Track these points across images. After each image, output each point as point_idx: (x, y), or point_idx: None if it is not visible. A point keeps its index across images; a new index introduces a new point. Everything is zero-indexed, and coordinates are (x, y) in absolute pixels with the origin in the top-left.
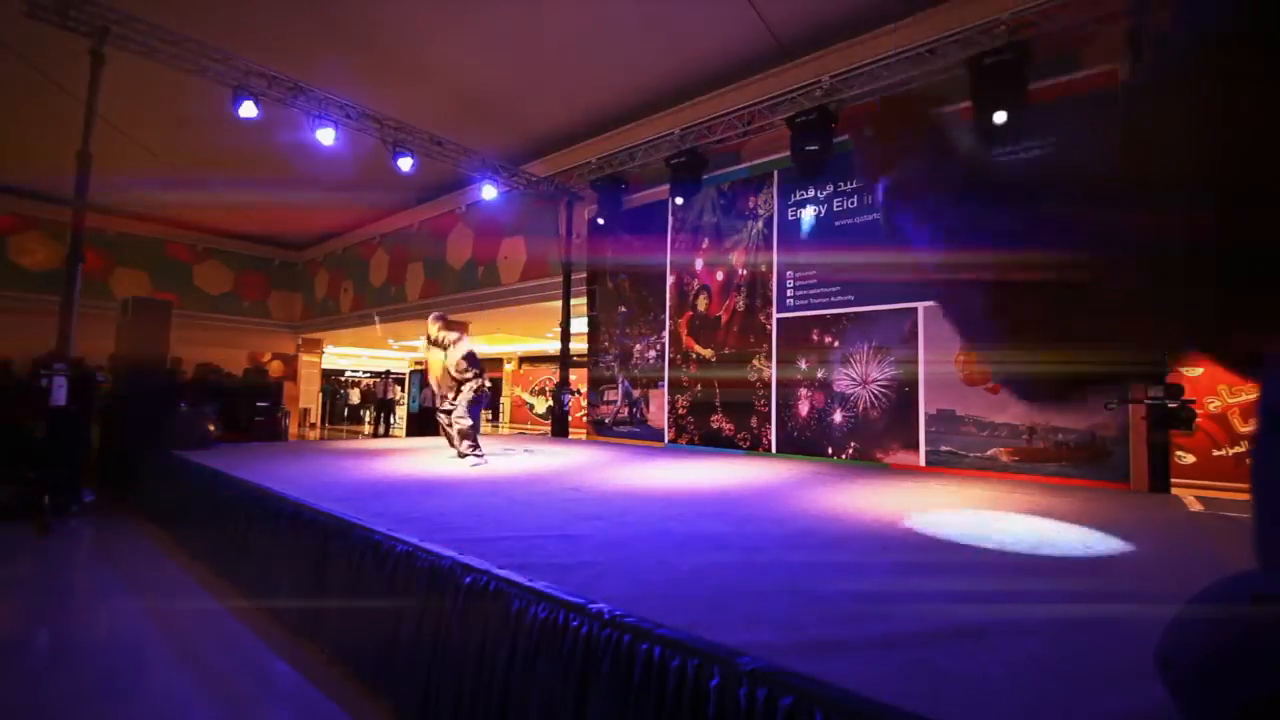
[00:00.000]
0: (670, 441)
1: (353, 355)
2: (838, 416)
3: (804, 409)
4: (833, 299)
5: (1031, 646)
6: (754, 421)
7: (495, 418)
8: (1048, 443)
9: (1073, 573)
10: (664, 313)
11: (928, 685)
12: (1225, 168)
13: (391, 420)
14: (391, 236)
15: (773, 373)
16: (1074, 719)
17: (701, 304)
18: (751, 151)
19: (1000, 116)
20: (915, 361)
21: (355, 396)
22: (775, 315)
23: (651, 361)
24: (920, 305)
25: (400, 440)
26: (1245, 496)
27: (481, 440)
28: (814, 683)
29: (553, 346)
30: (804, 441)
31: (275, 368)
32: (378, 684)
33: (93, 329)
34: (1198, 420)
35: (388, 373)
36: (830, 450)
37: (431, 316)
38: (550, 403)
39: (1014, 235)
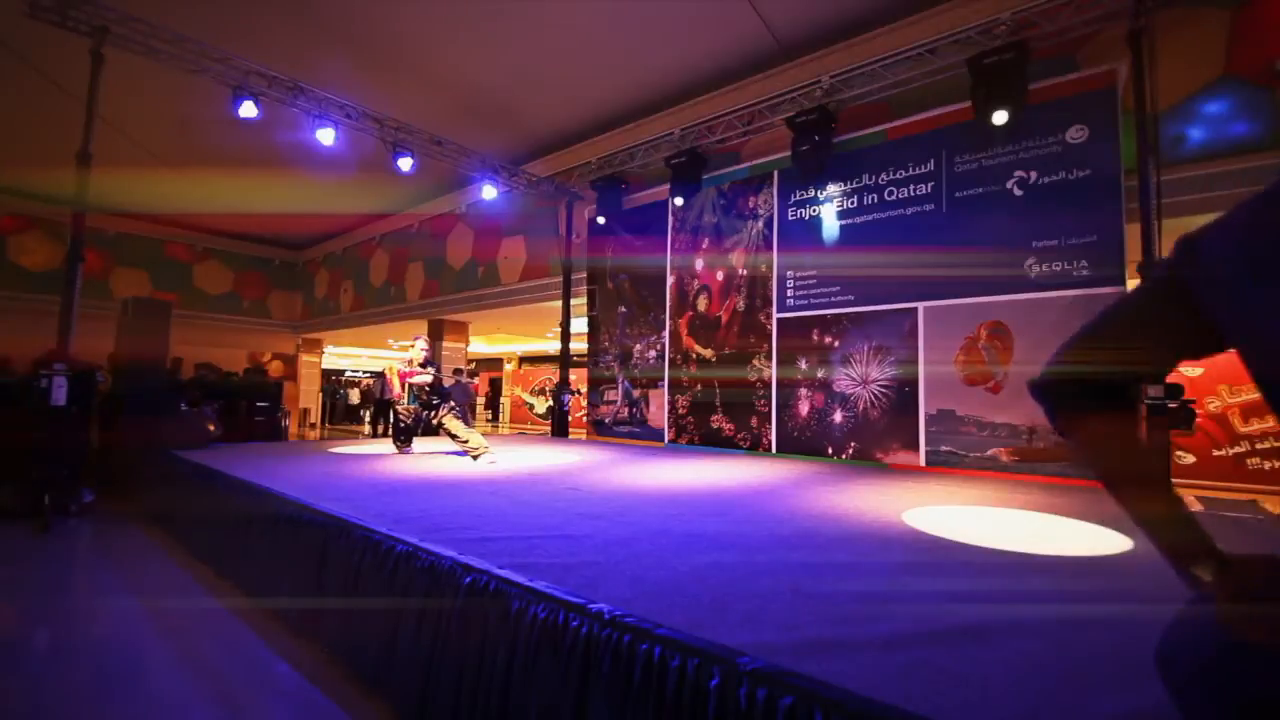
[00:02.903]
0: (670, 441)
1: (353, 355)
2: (838, 416)
3: (804, 409)
4: (833, 299)
5: (1031, 646)
6: (754, 421)
7: (495, 418)
8: (1048, 442)
9: (1073, 573)
10: (664, 313)
11: (928, 685)
12: None
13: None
14: (391, 236)
15: (773, 373)
16: (1074, 719)
17: (701, 304)
18: (751, 151)
19: (1000, 116)
20: (915, 361)
21: (355, 396)
22: (775, 315)
23: (651, 361)
24: (920, 305)
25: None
26: (1245, 496)
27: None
28: (814, 683)
29: (553, 346)
30: (804, 441)
31: (275, 368)
32: (377, 684)
33: (93, 329)
34: (1198, 420)
35: (384, 372)
36: (830, 450)
37: (419, 344)
38: (550, 403)
39: None
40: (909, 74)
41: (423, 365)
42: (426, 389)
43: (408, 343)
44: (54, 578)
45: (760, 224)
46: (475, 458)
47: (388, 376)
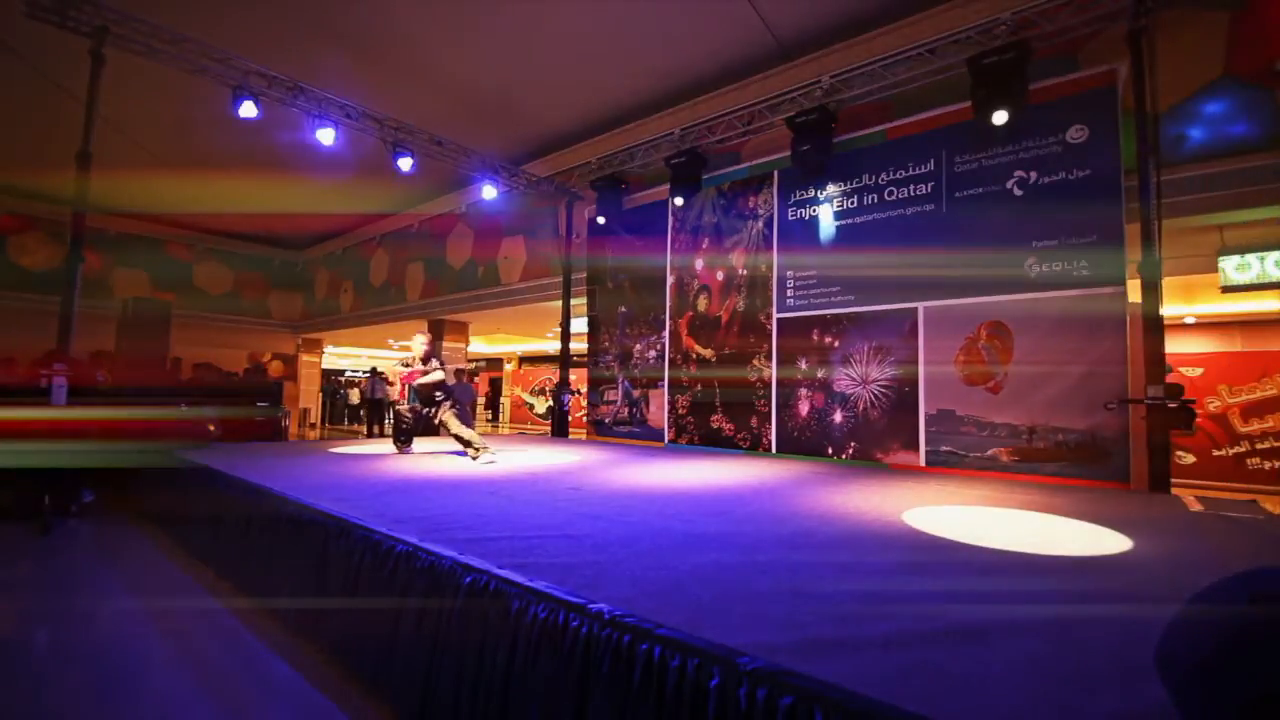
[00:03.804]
0: (670, 441)
1: (353, 355)
2: (838, 416)
3: (804, 409)
4: (833, 299)
5: (1031, 646)
6: (754, 421)
7: (495, 418)
8: (1048, 443)
9: (1072, 573)
10: (664, 313)
11: (928, 685)
12: None
13: (389, 419)
14: (391, 236)
15: (773, 373)
16: (1073, 719)
17: (701, 304)
18: (751, 151)
19: (1000, 116)
20: (915, 361)
21: (355, 396)
22: (775, 315)
23: (651, 361)
24: (920, 305)
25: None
26: (1245, 496)
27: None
28: (814, 683)
29: (553, 346)
30: (804, 441)
31: (275, 368)
32: (377, 684)
33: (93, 329)
34: (1198, 420)
35: (374, 370)
36: (830, 450)
37: (419, 339)
38: (550, 403)
39: None
40: (909, 74)
41: (424, 360)
42: (432, 384)
43: (409, 343)
44: (54, 578)
45: (760, 224)
46: (474, 457)
47: (389, 377)
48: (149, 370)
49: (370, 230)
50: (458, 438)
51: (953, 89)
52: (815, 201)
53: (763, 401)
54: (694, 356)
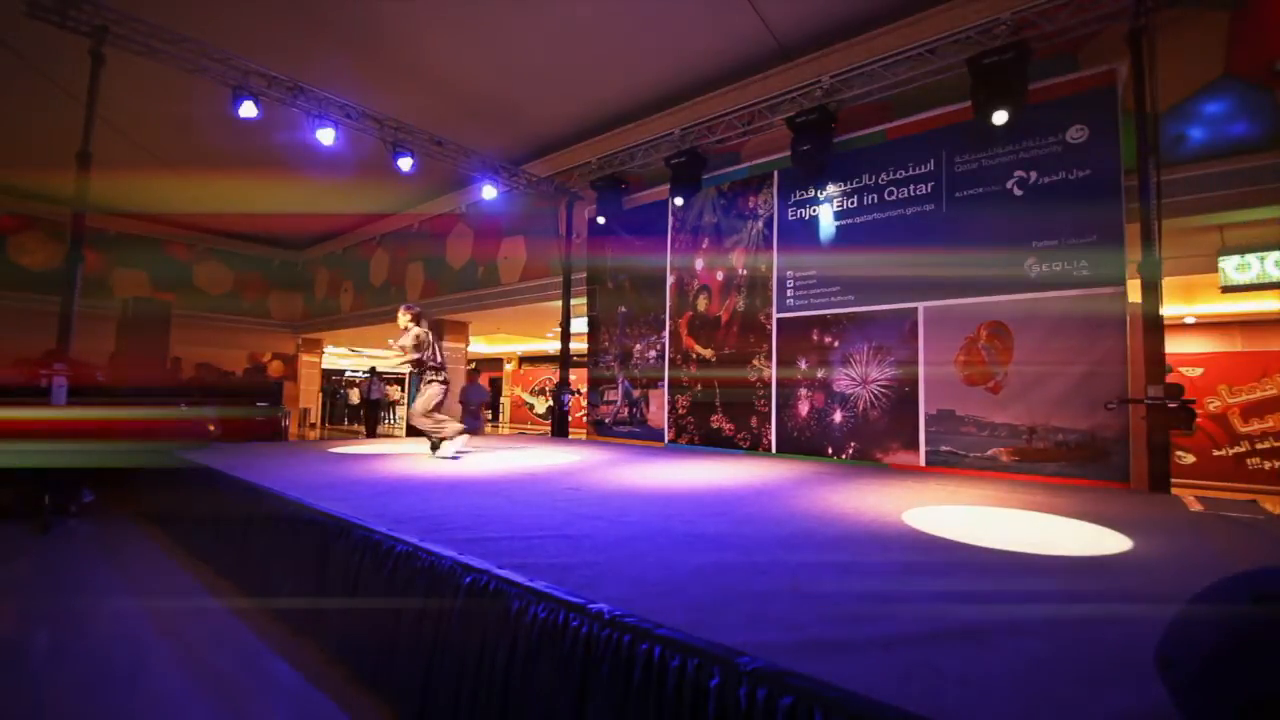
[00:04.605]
0: (670, 441)
1: (353, 355)
2: (838, 416)
3: (804, 409)
4: (833, 299)
5: (1031, 646)
6: (754, 421)
7: (495, 418)
8: (1048, 443)
9: (1073, 573)
10: (664, 313)
11: (928, 685)
12: None
13: (387, 419)
14: (391, 236)
15: (773, 373)
16: (1073, 719)
17: (701, 304)
18: (751, 151)
19: (1000, 116)
20: (915, 361)
21: (355, 396)
22: (775, 315)
23: (651, 361)
24: (920, 305)
25: (399, 442)
26: (1245, 496)
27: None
28: (814, 683)
29: (553, 346)
30: (804, 441)
31: (275, 368)
32: (377, 684)
33: (93, 329)
34: (1198, 420)
35: (373, 370)
36: (830, 450)
37: (401, 308)
38: (550, 403)
39: None
40: (909, 74)
41: (415, 321)
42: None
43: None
44: (54, 578)
45: (760, 224)
46: (434, 447)
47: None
48: (149, 370)
49: (370, 230)
50: (435, 429)
51: (953, 89)
52: (815, 201)
53: (763, 401)
54: (694, 356)
